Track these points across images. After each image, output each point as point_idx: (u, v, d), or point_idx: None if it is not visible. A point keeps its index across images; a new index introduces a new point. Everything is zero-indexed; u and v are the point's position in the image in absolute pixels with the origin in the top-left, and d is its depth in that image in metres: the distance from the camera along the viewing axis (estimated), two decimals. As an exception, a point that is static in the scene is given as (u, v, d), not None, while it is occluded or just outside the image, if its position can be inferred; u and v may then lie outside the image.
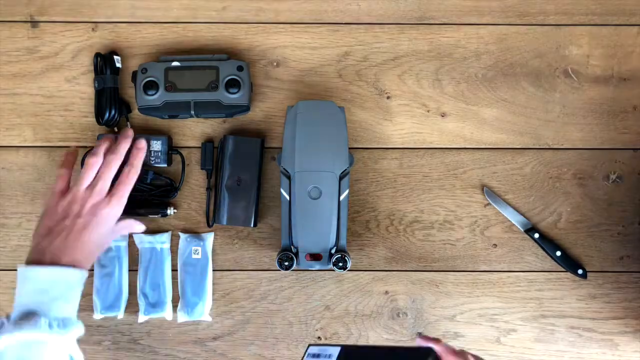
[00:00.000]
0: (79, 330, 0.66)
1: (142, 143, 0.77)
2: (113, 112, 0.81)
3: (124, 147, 0.76)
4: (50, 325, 0.63)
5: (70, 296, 0.67)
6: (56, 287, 0.66)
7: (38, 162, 0.83)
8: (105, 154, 0.74)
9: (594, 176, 0.84)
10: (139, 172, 0.75)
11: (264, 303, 0.83)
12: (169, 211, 0.81)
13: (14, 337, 0.61)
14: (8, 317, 0.64)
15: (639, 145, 0.84)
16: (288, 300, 0.83)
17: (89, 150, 0.78)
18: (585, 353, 0.83)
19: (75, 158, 0.78)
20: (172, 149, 0.82)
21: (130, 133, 0.78)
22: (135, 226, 0.76)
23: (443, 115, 0.84)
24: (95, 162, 0.73)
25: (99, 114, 0.81)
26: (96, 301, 0.80)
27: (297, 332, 0.83)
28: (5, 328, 0.62)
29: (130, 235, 0.82)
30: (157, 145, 0.81)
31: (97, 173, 0.73)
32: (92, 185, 0.72)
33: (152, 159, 0.80)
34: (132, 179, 0.74)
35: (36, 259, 0.67)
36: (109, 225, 0.72)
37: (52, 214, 0.71)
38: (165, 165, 0.81)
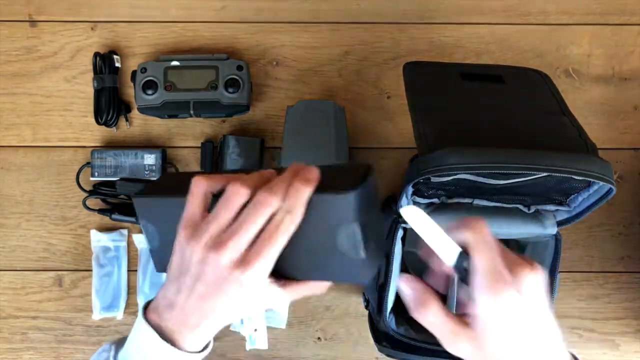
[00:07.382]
0: None
1: (313, 173, 0.43)
2: (112, 111, 0.80)
3: (295, 192, 0.42)
4: None
5: None
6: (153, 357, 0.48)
7: (37, 162, 0.82)
8: (257, 190, 0.43)
9: (595, 176, 0.84)
10: (297, 221, 0.42)
11: (264, 303, 0.83)
12: None
13: None
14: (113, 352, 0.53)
15: (639, 145, 0.84)
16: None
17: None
18: (586, 353, 0.83)
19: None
20: (166, 163, 0.82)
21: (313, 175, 0.42)
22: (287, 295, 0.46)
23: (443, 115, 0.84)
24: (237, 198, 0.43)
25: (98, 113, 0.81)
26: (95, 301, 0.80)
27: (297, 332, 0.83)
28: None
29: (130, 235, 0.81)
30: (150, 158, 0.80)
31: (237, 218, 0.43)
32: (221, 239, 0.43)
33: (146, 172, 0.80)
34: (283, 233, 0.42)
35: (152, 310, 0.49)
36: (241, 296, 0.44)
37: (176, 257, 0.46)
38: None
